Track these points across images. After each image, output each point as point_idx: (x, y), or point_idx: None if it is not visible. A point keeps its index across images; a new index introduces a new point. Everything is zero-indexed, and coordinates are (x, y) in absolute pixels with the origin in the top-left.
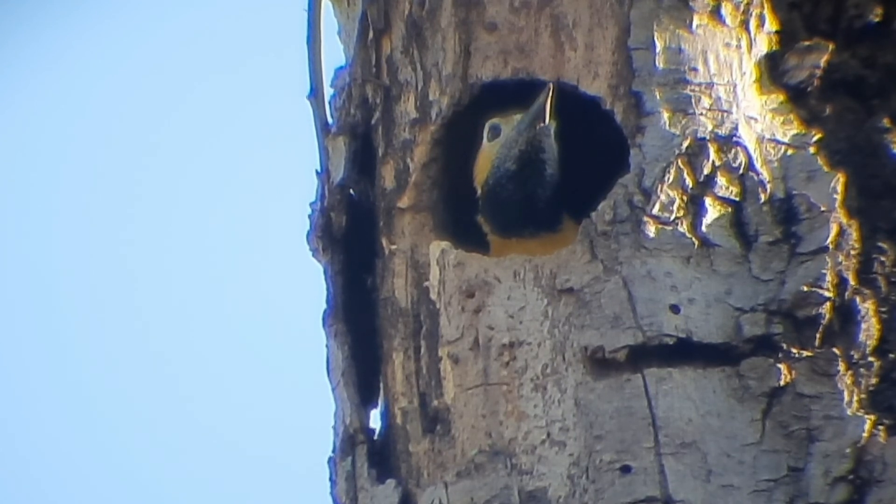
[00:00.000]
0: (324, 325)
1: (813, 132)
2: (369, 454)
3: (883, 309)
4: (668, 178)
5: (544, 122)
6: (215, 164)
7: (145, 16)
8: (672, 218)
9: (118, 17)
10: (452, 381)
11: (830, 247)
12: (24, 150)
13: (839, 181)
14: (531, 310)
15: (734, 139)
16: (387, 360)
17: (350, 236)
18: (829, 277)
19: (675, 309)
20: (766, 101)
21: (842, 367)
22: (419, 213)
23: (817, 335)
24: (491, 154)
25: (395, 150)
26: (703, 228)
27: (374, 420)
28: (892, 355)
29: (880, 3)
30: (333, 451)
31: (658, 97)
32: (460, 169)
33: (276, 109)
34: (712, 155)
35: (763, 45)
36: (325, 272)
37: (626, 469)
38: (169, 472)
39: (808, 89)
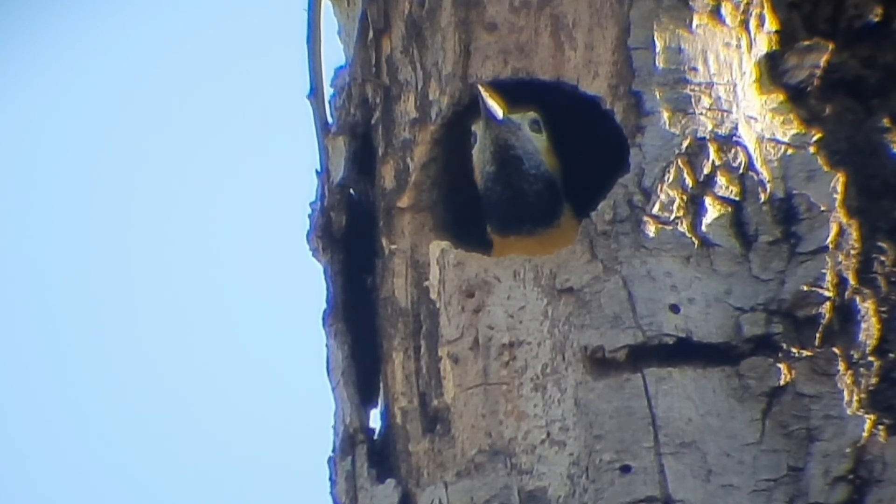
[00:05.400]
0: (324, 324)
1: (813, 132)
2: (369, 454)
3: (883, 309)
4: (668, 178)
5: (496, 120)
6: (215, 163)
7: (145, 16)
8: (672, 218)
9: (118, 17)
10: (452, 380)
11: (830, 246)
12: (23, 150)
13: (839, 181)
14: (531, 309)
15: (734, 139)
16: (387, 359)
17: (350, 236)
18: (828, 277)
19: (674, 309)
20: (765, 101)
21: (842, 366)
22: (419, 213)
23: (817, 335)
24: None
25: (395, 150)
26: (703, 228)
27: (374, 420)
28: (891, 355)
29: (880, 3)
30: (333, 451)
31: (658, 97)
32: (460, 169)
33: (276, 109)
34: (712, 155)
35: (763, 44)
36: (325, 272)
37: (625, 469)
38: (168, 472)
39: (808, 89)
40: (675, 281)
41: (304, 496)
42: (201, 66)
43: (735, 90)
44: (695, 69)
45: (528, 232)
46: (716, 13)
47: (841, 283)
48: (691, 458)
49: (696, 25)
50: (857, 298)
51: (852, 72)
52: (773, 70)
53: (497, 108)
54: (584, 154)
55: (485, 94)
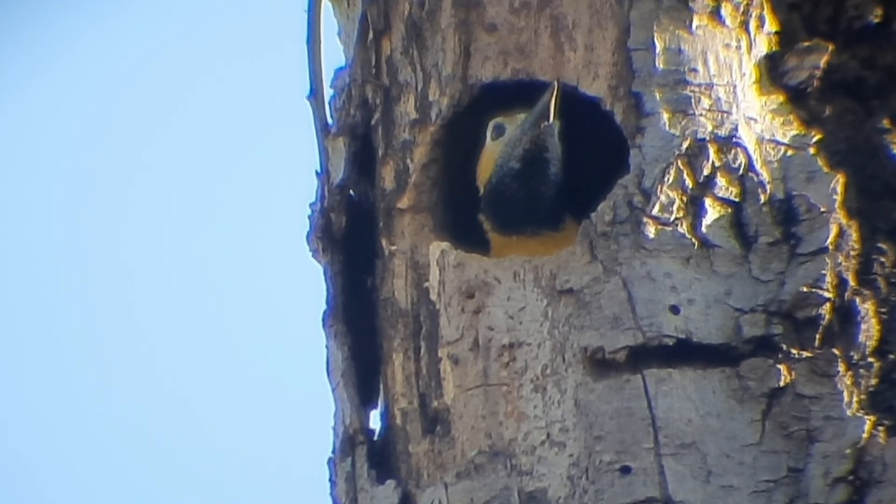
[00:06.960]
0: (324, 325)
1: (813, 133)
2: (369, 455)
3: (883, 309)
4: (668, 179)
5: (548, 120)
6: (215, 164)
7: (145, 16)
8: (672, 219)
9: (118, 17)
10: (452, 381)
11: (830, 247)
12: (23, 150)
13: (839, 182)
14: (531, 310)
15: (734, 140)
16: (387, 360)
17: (350, 237)
18: (828, 278)
19: (674, 310)
20: (765, 102)
21: (841, 367)
22: (419, 214)
23: (817, 336)
24: (494, 153)
25: (395, 151)
26: (703, 229)
27: (374, 421)
28: (891, 356)
29: (880, 3)
30: (333, 452)
31: (658, 98)
32: (460, 169)
33: (276, 109)
34: (712, 156)
35: (763, 45)
36: (324, 273)
37: (625, 470)
38: (168, 474)
39: (808, 90)
40: (675, 282)
41: (304, 497)
42: (201, 66)
43: (735, 91)
44: (695, 70)
45: (531, 232)
46: (716, 14)
47: (841, 284)
48: (691, 458)
49: (696, 26)
50: (857, 299)
51: (852, 73)
52: (772, 71)
53: (554, 113)
54: (583, 155)
55: (555, 95)
